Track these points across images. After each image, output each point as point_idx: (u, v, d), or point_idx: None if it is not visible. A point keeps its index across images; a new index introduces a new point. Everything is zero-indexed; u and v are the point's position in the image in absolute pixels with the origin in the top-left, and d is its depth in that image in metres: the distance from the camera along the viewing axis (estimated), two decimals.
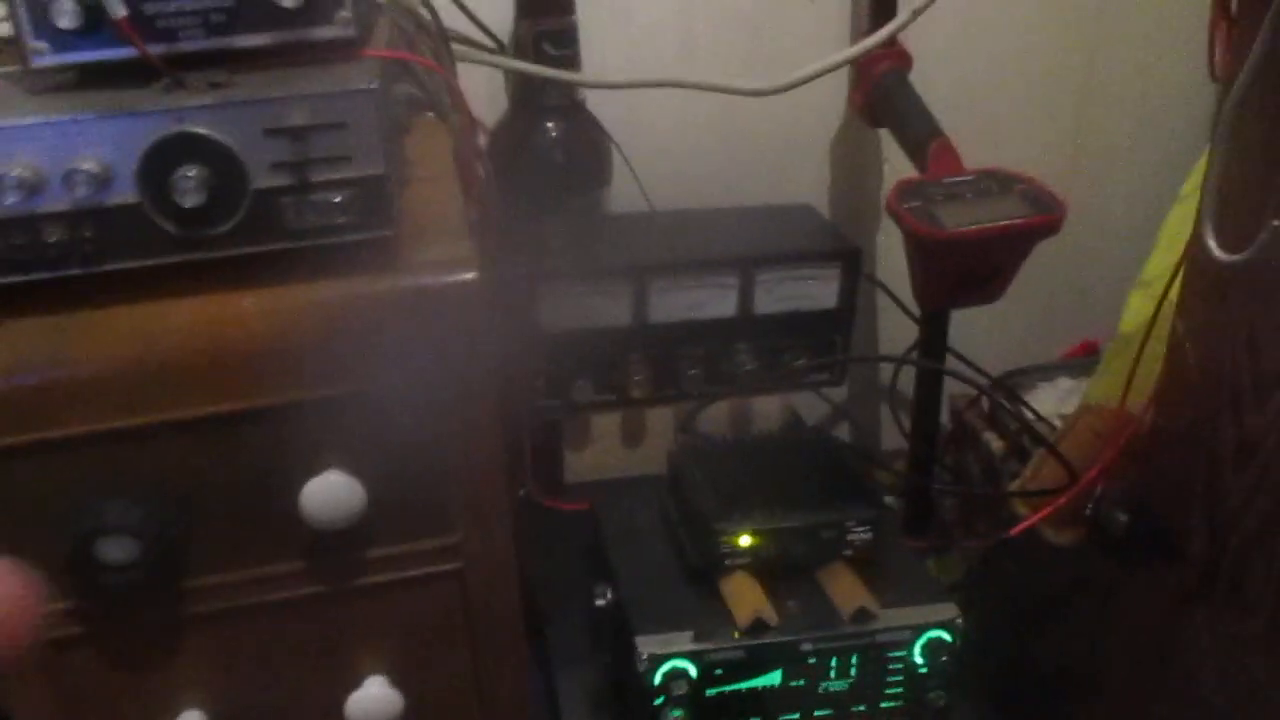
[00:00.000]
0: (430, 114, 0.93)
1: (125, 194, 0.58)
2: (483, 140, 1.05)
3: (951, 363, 1.07)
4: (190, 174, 0.58)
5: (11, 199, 0.57)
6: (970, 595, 1.17)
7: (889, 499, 1.07)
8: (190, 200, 0.58)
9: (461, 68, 0.94)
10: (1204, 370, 0.64)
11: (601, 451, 0.97)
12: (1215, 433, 0.64)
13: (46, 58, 0.64)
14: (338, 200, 0.61)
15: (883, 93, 1.04)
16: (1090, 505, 0.84)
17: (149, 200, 0.58)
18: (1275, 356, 0.59)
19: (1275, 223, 0.55)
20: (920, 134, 1.01)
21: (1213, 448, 0.64)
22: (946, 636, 0.69)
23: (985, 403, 1.15)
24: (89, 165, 0.57)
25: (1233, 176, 0.58)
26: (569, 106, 1.01)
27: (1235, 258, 0.55)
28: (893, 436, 1.39)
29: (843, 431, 1.33)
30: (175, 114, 0.58)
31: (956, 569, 1.18)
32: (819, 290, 0.92)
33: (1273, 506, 0.60)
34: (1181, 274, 0.68)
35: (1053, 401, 1.12)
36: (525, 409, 0.90)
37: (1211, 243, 0.57)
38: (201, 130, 0.58)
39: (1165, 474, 0.71)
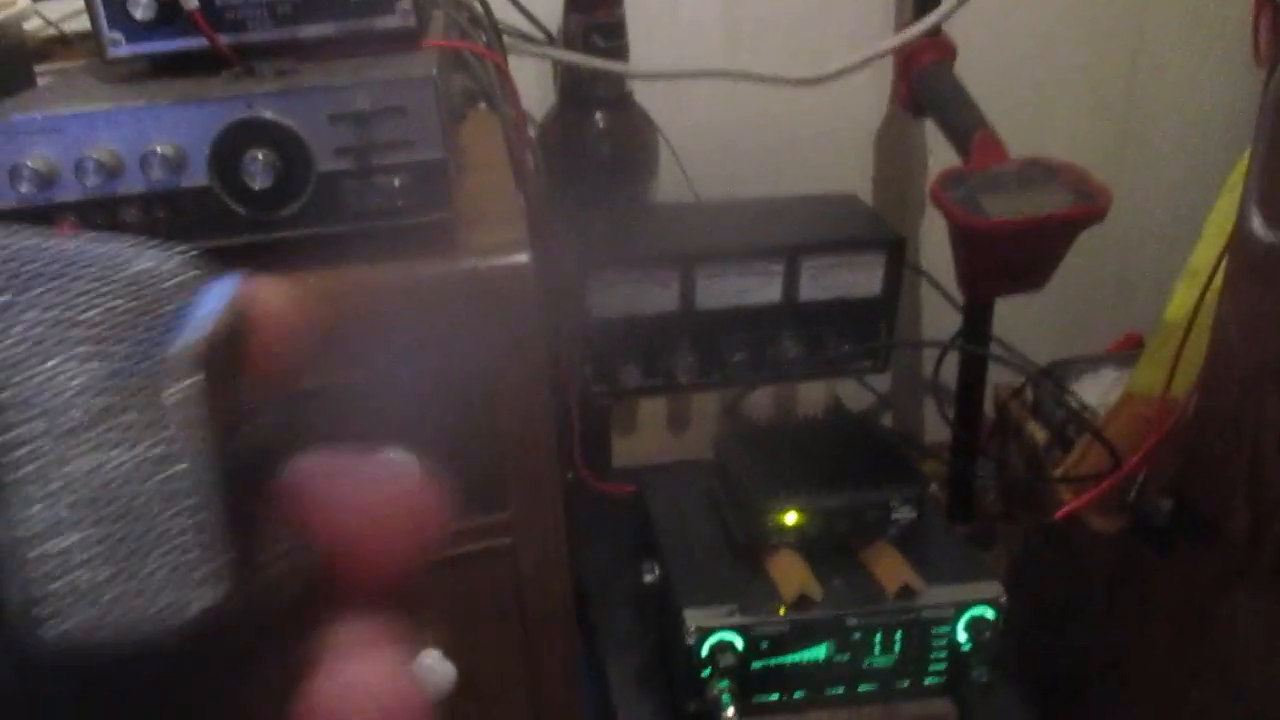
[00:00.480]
0: (483, 104, 0.95)
1: (198, 177, 0.61)
2: (532, 133, 1.07)
3: (995, 352, 1.08)
4: (259, 157, 0.60)
5: (92, 182, 0.59)
6: (1015, 585, 1.18)
7: (932, 487, 1.08)
8: (259, 183, 0.61)
9: (511, 61, 0.97)
10: (1248, 353, 0.65)
11: (648, 437, 0.99)
12: (1259, 415, 0.64)
13: (122, 48, 0.67)
14: (398, 184, 0.64)
15: (926, 83, 1.05)
16: (1133, 491, 0.84)
17: (220, 183, 0.61)
18: None
19: None
20: (964, 124, 1.02)
21: (1256, 430, 0.65)
22: (990, 614, 0.70)
23: (1029, 393, 1.15)
24: (164, 149, 0.60)
25: (1275, 161, 0.58)
26: (617, 99, 1.03)
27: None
28: (935, 429, 1.40)
29: (886, 422, 1.34)
30: (245, 100, 0.60)
31: (1000, 561, 1.19)
32: (863, 278, 0.94)
33: None
34: (1226, 257, 0.68)
35: (1097, 392, 1.12)
36: (574, 394, 0.92)
37: (1257, 222, 0.58)
38: (269, 115, 0.60)
39: (1208, 457, 0.72)
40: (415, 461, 0.21)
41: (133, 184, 0.61)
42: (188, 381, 0.17)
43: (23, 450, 0.16)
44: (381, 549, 0.20)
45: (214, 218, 0.62)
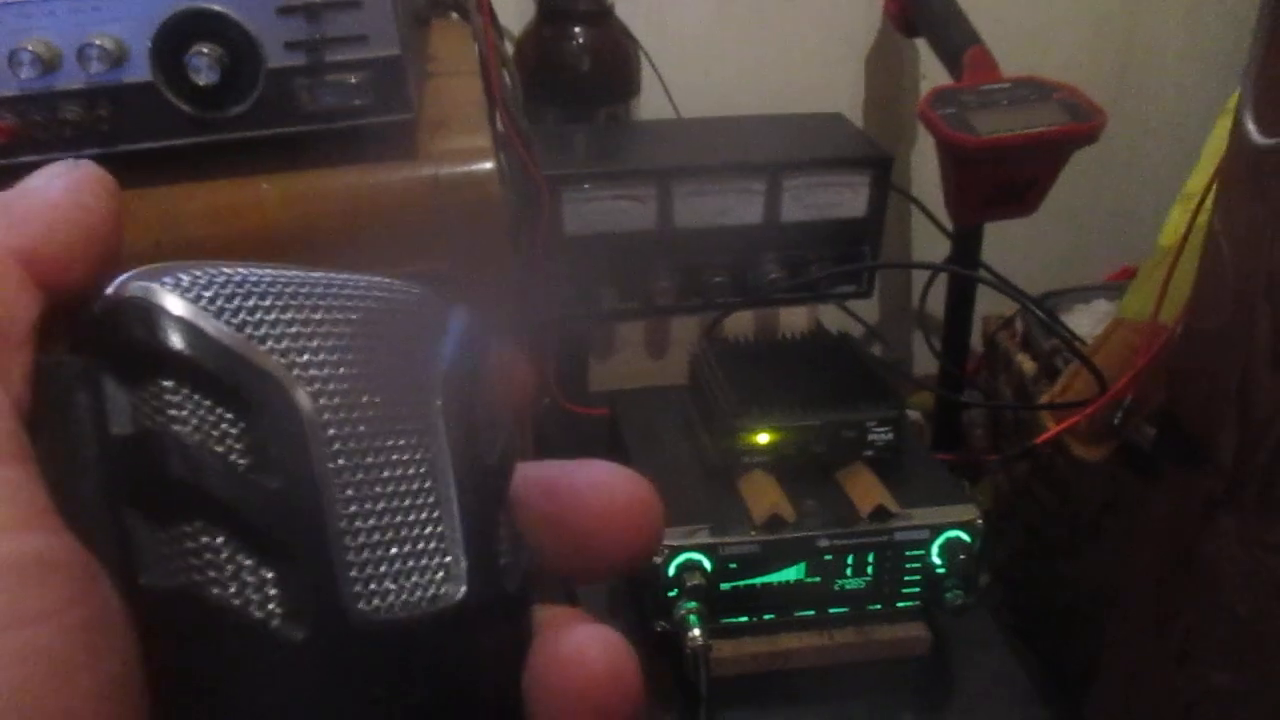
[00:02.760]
0: (454, 15, 0.92)
1: (140, 72, 0.58)
2: (509, 48, 1.03)
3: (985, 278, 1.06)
4: (204, 51, 0.57)
5: (28, 74, 0.56)
6: (1001, 518, 1.16)
7: (914, 414, 1.06)
8: (204, 78, 0.58)
9: None
10: (1240, 266, 0.62)
11: (626, 361, 0.97)
12: (1250, 330, 0.62)
13: None
14: (354, 81, 0.61)
15: (918, 0, 1.02)
16: (1119, 417, 0.82)
17: (163, 78, 0.58)
18: None
19: None
20: (956, 41, 0.98)
21: (1248, 346, 0.63)
22: (965, 537, 0.68)
23: (1018, 325, 1.13)
24: (103, 41, 0.56)
25: (1273, 61, 0.55)
26: (597, 13, 0.99)
27: (1275, 140, 0.53)
28: (922, 361, 1.38)
29: (873, 353, 1.31)
30: None
31: (986, 495, 1.17)
32: (848, 199, 0.91)
33: None
34: (1219, 172, 0.66)
35: (1089, 324, 1.10)
36: (549, 316, 0.90)
37: (1251, 127, 0.55)
38: (215, 7, 0.57)
39: (1196, 378, 0.70)
40: (629, 471, 0.23)
41: (71, 78, 0.58)
42: (446, 400, 0.20)
43: (337, 444, 0.18)
44: (603, 550, 0.22)
45: (158, 116, 0.59)
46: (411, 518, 0.19)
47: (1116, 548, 0.97)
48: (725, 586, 0.67)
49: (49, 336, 0.18)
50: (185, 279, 0.18)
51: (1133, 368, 0.81)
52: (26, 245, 0.18)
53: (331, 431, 0.18)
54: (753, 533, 0.66)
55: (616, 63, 1.03)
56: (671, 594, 0.65)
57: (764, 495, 0.68)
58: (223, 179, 0.63)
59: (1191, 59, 1.27)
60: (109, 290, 0.18)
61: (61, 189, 0.19)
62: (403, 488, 0.19)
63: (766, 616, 0.69)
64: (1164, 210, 0.88)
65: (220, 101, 0.60)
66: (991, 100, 0.92)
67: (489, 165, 0.67)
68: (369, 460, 0.18)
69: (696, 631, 0.64)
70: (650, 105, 1.07)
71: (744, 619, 0.68)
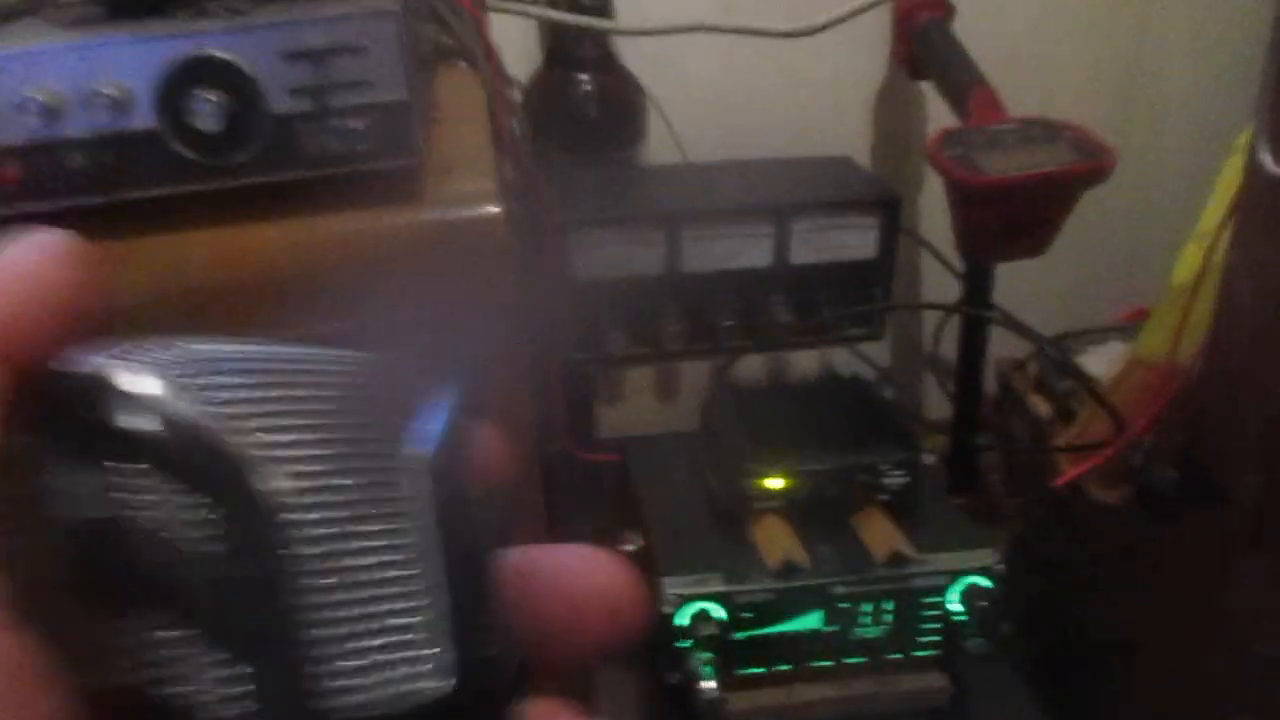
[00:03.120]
0: (463, 63, 0.92)
1: (145, 120, 0.58)
2: (517, 96, 1.04)
3: (997, 320, 1.05)
4: (209, 98, 0.57)
5: (34, 123, 0.56)
6: (1018, 561, 1.14)
7: (928, 457, 1.04)
8: (209, 125, 0.57)
9: (497, 21, 0.93)
10: (1258, 303, 0.61)
11: (635, 406, 0.96)
12: (1271, 369, 0.61)
13: None
14: (359, 127, 0.60)
15: (924, 43, 1.02)
16: (1138, 459, 0.81)
17: (168, 125, 0.58)
18: None
19: None
20: (962, 82, 0.98)
21: (1267, 385, 0.61)
22: (985, 582, 0.67)
23: (1032, 367, 1.12)
24: (109, 89, 0.56)
25: None
26: (603, 59, 1.00)
27: None
28: (934, 405, 1.36)
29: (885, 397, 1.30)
30: (193, 38, 0.57)
31: (1003, 541, 1.15)
32: (857, 240, 0.90)
33: None
34: (1235, 207, 0.65)
35: (1103, 364, 1.09)
36: (557, 360, 0.89)
37: (1267, 157, 0.54)
38: (218, 53, 0.57)
39: (1216, 419, 0.68)
40: (609, 554, 0.22)
41: (77, 126, 0.57)
42: (435, 482, 0.19)
43: (312, 530, 0.17)
44: (578, 638, 0.21)
45: (163, 164, 0.59)
46: (397, 606, 0.18)
47: (1137, 592, 0.95)
48: (739, 636, 0.65)
49: (15, 414, 0.17)
50: (156, 355, 0.17)
51: (1150, 409, 0.79)
52: None
53: (308, 516, 0.17)
54: (767, 580, 0.65)
55: (624, 108, 1.03)
56: (683, 644, 0.63)
57: (778, 541, 0.66)
58: (227, 225, 0.62)
59: (1198, 97, 1.27)
60: (82, 367, 0.17)
61: (33, 262, 0.19)
62: (388, 574, 0.18)
63: (782, 667, 0.67)
64: (1175, 249, 0.87)
65: (224, 148, 0.59)
66: (999, 140, 0.91)
67: (496, 209, 0.66)
68: (350, 545, 0.17)
69: (710, 684, 0.62)
70: (658, 150, 1.07)
71: (759, 670, 0.67)
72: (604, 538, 0.78)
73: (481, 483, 0.20)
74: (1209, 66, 1.25)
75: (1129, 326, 1.15)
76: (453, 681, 0.18)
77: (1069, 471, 0.85)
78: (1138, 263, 1.35)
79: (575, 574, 0.21)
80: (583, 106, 1.01)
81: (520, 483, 0.78)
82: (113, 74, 0.57)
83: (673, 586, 0.63)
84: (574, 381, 0.94)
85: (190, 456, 0.16)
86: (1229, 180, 0.85)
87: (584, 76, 1.00)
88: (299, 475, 0.17)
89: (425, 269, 0.65)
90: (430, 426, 0.19)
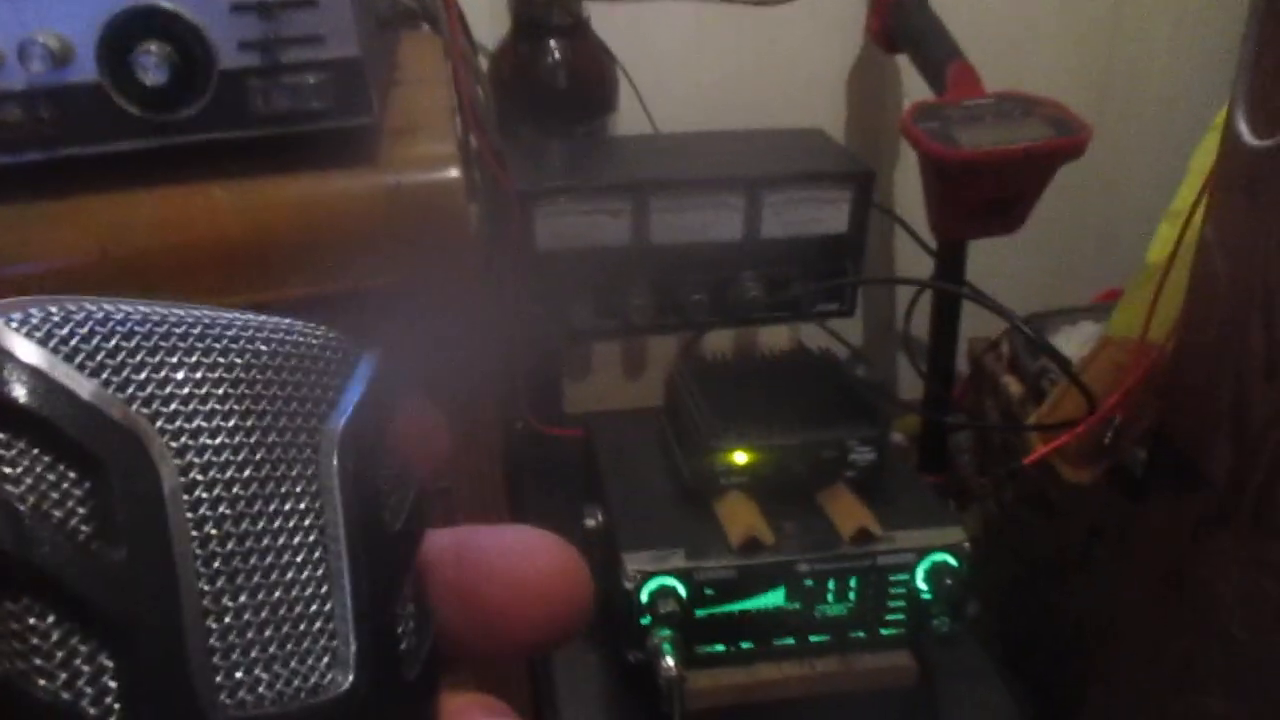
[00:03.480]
0: (427, 27, 0.90)
1: (85, 72, 0.55)
2: (483, 62, 1.01)
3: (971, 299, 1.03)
4: (153, 50, 0.55)
5: None
6: (990, 543, 1.14)
7: (897, 435, 1.03)
8: (153, 78, 0.55)
9: None
10: (1233, 277, 0.60)
11: (602, 382, 0.94)
12: (1244, 343, 0.60)
13: None
14: (311, 83, 0.58)
15: (900, 15, 1.00)
16: (1108, 437, 0.80)
17: (110, 79, 0.55)
18: None
19: None
20: (938, 56, 0.97)
21: (1240, 359, 0.60)
22: (952, 560, 0.65)
23: (1005, 346, 1.11)
24: (46, 39, 0.54)
25: (1267, 59, 0.53)
26: (573, 26, 0.97)
27: (1268, 143, 0.51)
28: (907, 386, 1.35)
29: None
30: None
31: (974, 521, 1.15)
32: (829, 214, 0.88)
33: None
34: (1211, 182, 0.64)
35: (1075, 345, 1.08)
36: (521, 335, 0.87)
37: (1243, 128, 0.53)
38: (164, 4, 0.55)
39: (1188, 394, 0.67)
40: (552, 537, 0.21)
41: (12, 78, 0.55)
42: (343, 459, 0.17)
43: (204, 509, 0.16)
44: (518, 625, 0.20)
45: (105, 119, 0.57)
46: (293, 594, 0.16)
47: (1107, 572, 0.95)
48: (701, 613, 0.64)
49: None
50: (37, 316, 0.15)
51: (1122, 386, 0.78)
52: None
53: (199, 494, 0.16)
54: (730, 557, 0.63)
55: (594, 78, 1.00)
56: (644, 621, 0.62)
57: (741, 518, 0.65)
58: (173, 185, 0.60)
59: (1174, 75, 1.26)
60: None
61: None
62: (284, 559, 0.16)
63: (744, 645, 0.66)
64: (1150, 230, 0.86)
65: (170, 103, 0.57)
66: (975, 115, 0.90)
67: (454, 173, 0.64)
68: (244, 528, 0.16)
69: (671, 661, 0.60)
70: (628, 120, 1.05)
71: (721, 648, 0.65)
72: (567, 514, 0.76)
73: (401, 460, 0.19)
74: (1186, 43, 1.24)
75: (1101, 307, 1.14)
76: (350, 678, 0.17)
77: (1039, 450, 0.84)
78: (1111, 243, 1.34)
79: (515, 556, 0.20)
80: (552, 75, 0.99)
81: (481, 458, 0.77)
82: (51, 23, 0.54)
83: (634, 563, 0.62)
84: (539, 355, 0.92)
85: (69, 427, 0.15)
86: (1204, 158, 0.83)
87: (553, 44, 0.98)
88: (194, 448, 0.16)
89: (380, 234, 0.63)
90: (350, 397, 0.18)
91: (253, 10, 0.56)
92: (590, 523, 0.71)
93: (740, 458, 0.67)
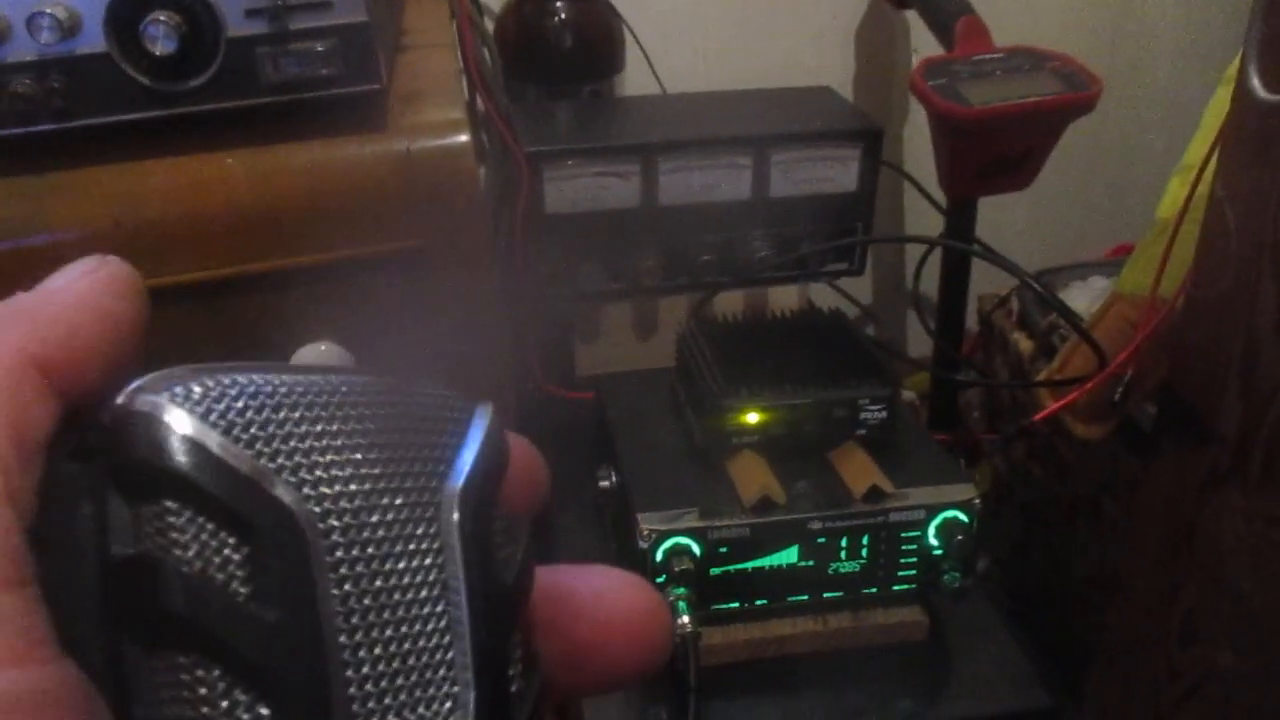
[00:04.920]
0: None
1: (94, 42, 0.55)
2: (489, 25, 1.01)
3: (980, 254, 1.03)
4: (161, 19, 0.55)
5: None
6: (999, 499, 1.14)
7: (909, 394, 1.04)
8: (162, 48, 0.55)
9: None
10: (1244, 232, 0.60)
11: (613, 344, 0.94)
12: (1254, 298, 0.60)
13: None
14: (319, 49, 0.58)
15: None
16: (1119, 392, 0.80)
17: (119, 49, 0.56)
18: None
19: None
20: (948, 11, 0.96)
21: (1251, 316, 0.60)
22: (963, 517, 0.66)
23: (1014, 303, 1.10)
24: (54, 10, 0.54)
25: (1278, 13, 0.53)
26: None
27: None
28: (917, 344, 1.36)
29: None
30: None
31: (984, 478, 1.15)
32: (838, 173, 0.88)
33: None
34: (1222, 137, 0.63)
35: (1085, 301, 1.08)
36: (531, 298, 0.88)
37: (1256, 82, 0.52)
38: None
39: (1198, 349, 0.67)
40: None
41: (22, 49, 0.55)
42: (462, 517, 0.18)
43: (344, 568, 0.17)
44: (608, 662, 0.21)
45: (114, 89, 0.57)
46: (420, 644, 0.18)
47: (1116, 528, 0.95)
48: (715, 571, 0.64)
49: (62, 443, 0.17)
50: (196, 391, 0.17)
51: (1132, 342, 0.78)
52: (46, 351, 0.17)
53: (338, 554, 0.17)
54: (742, 515, 0.64)
55: (600, 38, 1.00)
56: (659, 580, 0.63)
57: (754, 477, 0.65)
58: (184, 155, 0.60)
59: (1186, 28, 1.24)
60: (119, 400, 0.17)
61: (84, 290, 0.18)
62: (412, 612, 0.18)
63: (758, 602, 0.66)
64: (1160, 186, 0.85)
65: (179, 72, 0.57)
66: (985, 70, 0.89)
67: (463, 138, 0.64)
68: (377, 585, 0.18)
69: (685, 618, 0.61)
70: (635, 82, 1.04)
71: (735, 605, 0.66)
72: (580, 476, 0.77)
73: (511, 513, 0.20)
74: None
75: (1112, 263, 1.14)
76: None
77: (1049, 407, 0.84)
78: (1122, 198, 1.33)
79: (603, 597, 0.21)
80: (557, 36, 0.98)
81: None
82: None
83: (648, 522, 0.62)
84: (550, 318, 0.92)
85: (227, 496, 0.16)
86: (1216, 113, 0.83)
87: (559, 4, 0.98)
88: (335, 512, 0.17)
89: (391, 200, 0.63)
90: (467, 455, 0.19)
91: None
92: (604, 484, 0.71)
93: (752, 417, 0.68)
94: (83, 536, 0.16)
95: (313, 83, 0.59)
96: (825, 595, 0.67)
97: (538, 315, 0.90)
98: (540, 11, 0.98)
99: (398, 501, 0.18)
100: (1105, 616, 0.90)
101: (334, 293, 0.63)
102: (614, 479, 0.71)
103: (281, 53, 0.58)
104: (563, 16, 0.98)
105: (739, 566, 0.65)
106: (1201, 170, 0.71)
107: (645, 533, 0.63)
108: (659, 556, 0.63)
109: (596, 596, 0.21)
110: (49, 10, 0.54)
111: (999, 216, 1.07)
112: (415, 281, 0.65)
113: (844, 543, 0.66)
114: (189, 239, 0.60)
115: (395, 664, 0.17)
